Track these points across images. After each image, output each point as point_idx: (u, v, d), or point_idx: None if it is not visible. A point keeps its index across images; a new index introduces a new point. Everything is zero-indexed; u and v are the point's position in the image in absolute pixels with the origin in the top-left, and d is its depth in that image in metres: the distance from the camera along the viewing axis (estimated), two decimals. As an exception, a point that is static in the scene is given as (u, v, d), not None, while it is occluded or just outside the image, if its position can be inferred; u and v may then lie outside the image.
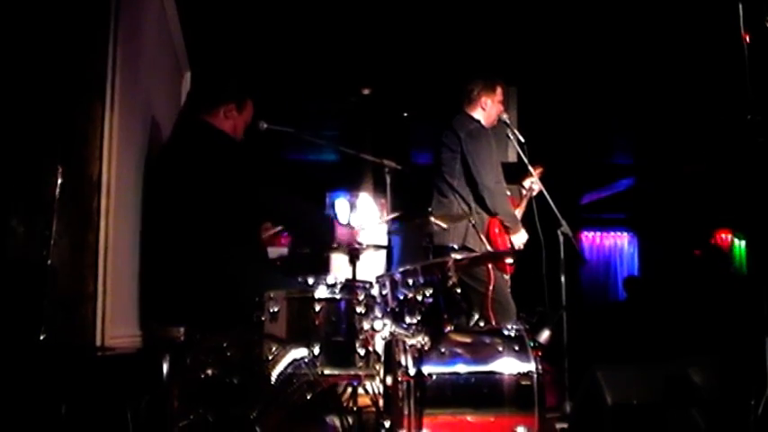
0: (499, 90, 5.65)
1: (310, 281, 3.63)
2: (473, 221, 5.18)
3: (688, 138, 10.12)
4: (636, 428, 3.98)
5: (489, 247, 5.25)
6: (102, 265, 3.16)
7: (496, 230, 5.36)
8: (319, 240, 4.30)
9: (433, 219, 4.37)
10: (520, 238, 5.44)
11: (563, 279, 5.21)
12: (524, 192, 5.74)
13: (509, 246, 5.39)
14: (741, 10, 3.61)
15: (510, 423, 3.34)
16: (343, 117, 9.63)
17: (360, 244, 4.04)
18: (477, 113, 5.56)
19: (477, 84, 5.61)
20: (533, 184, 5.69)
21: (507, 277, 5.52)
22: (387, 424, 3.50)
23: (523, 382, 3.38)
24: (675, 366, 4.38)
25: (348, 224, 4.40)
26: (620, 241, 15.24)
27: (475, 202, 5.35)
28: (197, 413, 3.13)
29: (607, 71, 8.32)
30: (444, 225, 4.60)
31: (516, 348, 3.47)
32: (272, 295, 3.58)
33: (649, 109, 9.44)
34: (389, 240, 5.03)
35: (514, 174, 5.81)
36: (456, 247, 5.04)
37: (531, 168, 5.61)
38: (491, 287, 5.16)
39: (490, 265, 5.19)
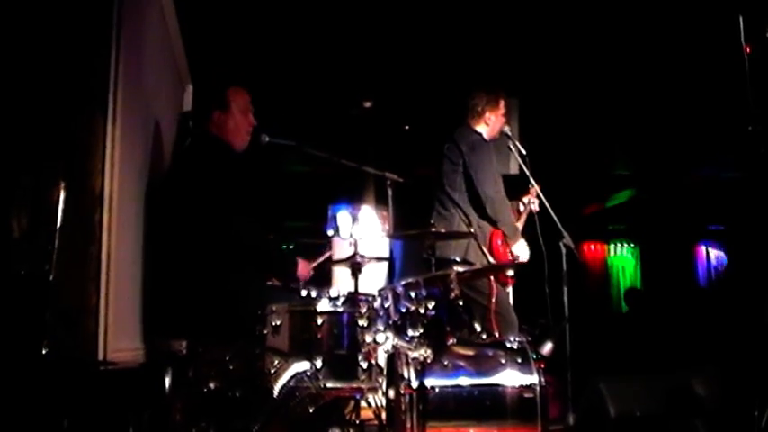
0: (502, 103, 5.66)
1: (313, 294, 3.63)
2: (474, 234, 5.18)
3: (689, 148, 10.13)
4: (639, 440, 3.97)
5: (491, 260, 5.25)
6: (104, 278, 3.16)
7: (499, 242, 5.37)
8: (283, 275, 4.29)
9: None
10: (520, 249, 5.44)
11: (565, 291, 5.20)
12: (522, 208, 5.75)
13: (510, 258, 5.39)
14: (742, 22, 3.62)
15: (513, 435, 3.33)
16: (345, 130, 9.64)
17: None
18: (481, 128, 5.57)
19: (482, 98, 5.61)
20: (531, 203, 5.70)
21: (509, 290, 5.52)
22: (389, 437, 3.50)
23: (526, 395, 3.37)
24: (678, 377, 4.38)
25: (307, 260, 4.42)
26: (622, 252, 15.24)
27: (476, 214, 5.35)
28: (199, 426, 3.13)
29: (608, 82, 8.32)
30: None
31: (519, 361, 3.47)
32: (274, 308, 3.58)
33: (650, 120, 9.45)
34: (391, 253, 5.02)
35: (514, 188, 5.81)
36: (458, 259, 5.05)
37: (532, 181, 5.61)
38: (493, 299, 5.16)
39: (492, 278, 5.18)
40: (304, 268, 4.29)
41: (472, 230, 5.21)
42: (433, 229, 4.34)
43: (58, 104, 3.05)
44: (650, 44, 7.35)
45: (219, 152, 4.22)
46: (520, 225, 5.66)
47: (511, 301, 5.58)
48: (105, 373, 3.08)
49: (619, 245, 15.19)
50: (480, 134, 5.53)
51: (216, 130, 4.27)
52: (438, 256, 4.45)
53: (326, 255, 4.70)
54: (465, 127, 5.60)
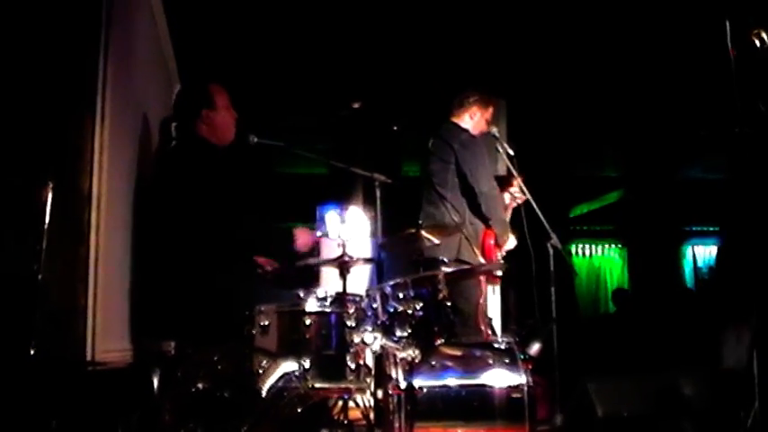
0: (491, 110, 5.68)
1: (301, 294, 3.63)
2: (465, 233, 5.19)
3: (677, 150, 10.17)
4: (627, 440, 3.99)
5: (482, 260, 5.25)
6: (92, 278, 3.15)
7: (491, 242, 5.37)
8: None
9: (424, 233, 4.35)
10: (509, 244, 5.48)
11: (553, 291, 5.21)
12: (508, 200, 5.75)
13: (500, 258, 5.41)
14: (728, 25, 3.64)
15: (501, 436, 3.34)
16: (334, 131, 9.64)
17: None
18: (466, 123, 5.57)
19: (474, 95, 5.64)
20: (517, 193, 5.68)
21: (497, 289, 5.54)
22: (378, 437, 3.50)
23: (514, 395, 3.38)
24: (666, 378, 4.40)
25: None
26: (610, 253, 15.29)
27: (469, 211, 5.35)
28: (188, 427, 3.13)
29: (596, 84, 8.35)
30: (437, 241, 4.56)
31: (507, 361, 3.47)
32: (262, 309, 3.57)
33: (638, 121, 9.49)
34: (379, 254, 5.01)
35: (499, 183, 5.81)
36: (447, 260, 5.05)
37: (514, 172, 5.60)
38: (481, 300, 5.17)
39: (482, 278, 5.19)
40: (304, 237, 4.45)
41: (464, 230, 5.22)
42: (424, 229, 4.34)
43: (46, 104, 3.05)
44: (638, 46, 7.38)
45: (205, 153, 4.24)
46: (507, 217, 5.66)
47: (498, 301, 5.60)
48: (94, 373, 3.08)
49: (607, 245, 15.25)
50: (467, 130, 5.54)
51: (205, 128, 4.30)
52: (429, 255, 4.46)
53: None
54: (450, 124, 5.60)
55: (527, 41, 7.51)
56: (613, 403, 4.17)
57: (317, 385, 3.43)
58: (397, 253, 4.95)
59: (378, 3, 6.80)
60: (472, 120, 5.60)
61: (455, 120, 5.61)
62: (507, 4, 6.87)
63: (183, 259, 3.95)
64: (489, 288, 5.41)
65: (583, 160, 11.40)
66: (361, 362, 3.56)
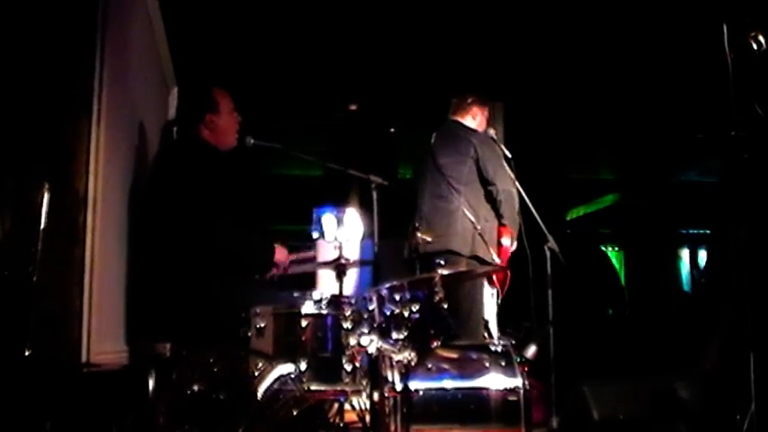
0: (488, 110, 5.71)
1: (297, 296, 3.63)
2: (479, 230, 5.19)
3: (674, 153, 10.18)
4: (622, 443, 3.98)
5: (497, 258, 5.26)
6: (88, 280, 3.15)
7: (507, 243, 5.37)
8: (264, 269, 4.32)
9: (420, 234, 4.34)
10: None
11: (550, 294, 5.20)
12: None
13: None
14: (725, 27, 3.64)
15: (497, 438, 3.33)
16: (331, 133, 9.65)
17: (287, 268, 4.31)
18: (469, 123, 5.59)
19: (471, 96, 5.66)
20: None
21: (493, 291, 5.53)
22: (373, 440, 3.49)
23: (510, 398, 3.37)
24: (662, 381, 4.39)
25: (283, 247, 4.45)
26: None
27: (485, 208, 5.34)
28: (183, 429, 3.12)
29: (593, 87, 8.36)
30: (429, 238, 4.54)
31: (503, 364, 3.46)
32: (258, 311, 3.57)
33: (634, 124, 9.49)
34: (377, 256, 5.01)
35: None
36: (463, 255, 5.05)
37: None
38: (484, 301, 5.17)
39: (495, 277, 5.21)
40: (281, 254, 4.34)
41: (479, 227, 5.22)
42: (424, 222, 4.33)
43: (42, 106, 3.04)
44: (635, 49, 7.38)
45: (204, 156, 4.23)
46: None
47: (495, 303, 5.59)
48: (89, 375, 3.07)
49: (604, 248, 15.25)
50: (476, 130, 5.56)
51: (208, 133, 4.28)
52: (439, 248, 4.45)
53: (308, 254, 4.72)
54: (456, 122, 5.61)
55: (524, 45, 7.52)
56: (609, 406, 4.16)
57: (313, 388, 3.43)
58: (393, 254, 4.95)
59: (374, 5, 6.79)
60: (474, 120, 5.62)
61: (459, 119, 5.62)
62: (503, 8, 6.87)
63: (179, 261, 3.94)
64: (486, 290, 5.40)
65: (579, 163, 11.42)
66: (357, 364, 3.55)
